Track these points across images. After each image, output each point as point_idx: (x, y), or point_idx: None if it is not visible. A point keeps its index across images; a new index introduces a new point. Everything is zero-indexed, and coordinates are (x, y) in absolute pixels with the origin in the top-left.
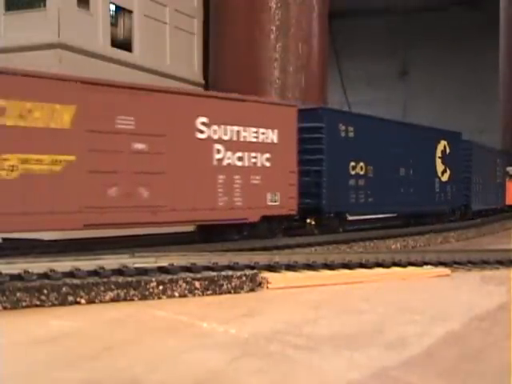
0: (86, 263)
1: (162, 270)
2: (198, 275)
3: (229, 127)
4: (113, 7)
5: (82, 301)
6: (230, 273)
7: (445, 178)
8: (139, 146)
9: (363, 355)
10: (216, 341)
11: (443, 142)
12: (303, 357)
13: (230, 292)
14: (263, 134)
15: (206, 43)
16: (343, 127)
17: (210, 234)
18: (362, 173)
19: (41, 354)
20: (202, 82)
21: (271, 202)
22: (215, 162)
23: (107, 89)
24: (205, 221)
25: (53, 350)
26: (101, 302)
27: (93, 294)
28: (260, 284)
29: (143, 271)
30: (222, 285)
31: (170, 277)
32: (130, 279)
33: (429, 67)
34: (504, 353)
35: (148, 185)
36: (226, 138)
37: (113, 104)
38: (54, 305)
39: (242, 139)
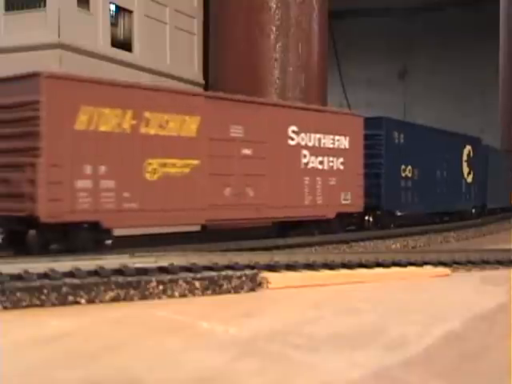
0: (86, 263)
1: (162, 269)
2: (198, 275)
3: (312, 135)
4: (113, 7)
5: (82, 301)
6: (229, 273)
7: (469, 179)
8: (246, 151)
9: (363, 355)
10: (216, 341)
11: (468, 147)
12: (303, 357)
13: (229, 292)
14: (338, 140)
15: (206, 43)
16: (396, 134)
17: (288, 229)
18: (409, 175)
19: (41, 353)
20: (202, 81)
21: (344, 200)
22: (302, 166)
23: (223, 102)
24: (294, 217)
25: (53, 349)
26: (101, 302)
27: (93, 293)
28: (260, 284)
29: (143, 271)
30: (222, 285)
31: (169, 277)
32: (130, 279)
33: (429, 67)
34: (504, 353)
35: (253, 185)
36: (310, 144)
37: (227, 115)
38: (54, 305)
39: (322, 145)
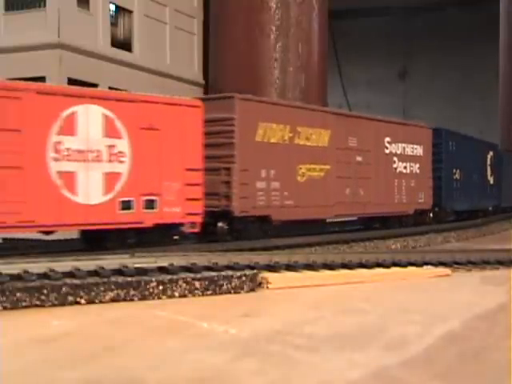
0: (86, 263)
1: (162, 270)
2: (198, 275)
3: (400, 144)
4: (113, 7)
5: (82, 301)
6: (230, 273)
7: (491, 181)
8: (359, 158)
9: (363, 355)
10: (216, 341)
11: (491, 152)
12: (303, 357)
13: (230, 292)
14: (416, 149)
15: (206, 43)
16: (451, 143)
17: (372, 223)
18: (458, 178)
19: (41, 353)
20: (202, 81)
21: (420, 199)
22: (393, 170)
23: (345, 118)
24: (388, 213)
25: (53, 349)
26: (101, 302)
27: (93, 294)
28: (260, 284)
29: (143, 271)
30: (222, 285)
31: (169, 277)
32: (129, 279)
33: (429, 68)
34: (504, 353)
35: (363, 186)
36: (398, 152)
37: (347, 128)
38: (54, 305)
39: (406, 153)
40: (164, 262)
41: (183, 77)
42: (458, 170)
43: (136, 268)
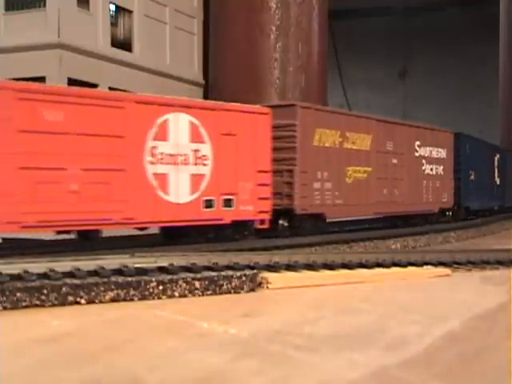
0: (86, 263)
1: (162, 270)
2: (198, 275)
3: (427, 148)
4: (113, 7)
5: (82, 301)
6: (230, 273)
7: (498, 182)
8: (394, 160)
9: (363, 355)
10: (216, 341)
11: (497, 155)
12: (303, 357)
13: (230, 292)
14: (440, 152)
15: (206, 43)
16: (467, 146)
17: (398, 221)
18: (473, 178)
19: (41, 353)
20: (202, 81)
21: (443, 199)
22: (422, 172)
23: (384, 124)
24: (415, 211)
25: (53, 349)
26: (101, 302)
27: (93, 294)
28: (260, 284)
29: (143, 271)
30: (222, 285)
31: (169, 277)
32: (130, 279)
33: (429, 68)
34: (504, 353)
35: (398, 187)
36: (426, 155)
37: (385, 133)
38: (54, 305)
39: (432, 156)
40: (164, 262)
41: (183, 77)
42: (473, 172)
43: (136, 268)
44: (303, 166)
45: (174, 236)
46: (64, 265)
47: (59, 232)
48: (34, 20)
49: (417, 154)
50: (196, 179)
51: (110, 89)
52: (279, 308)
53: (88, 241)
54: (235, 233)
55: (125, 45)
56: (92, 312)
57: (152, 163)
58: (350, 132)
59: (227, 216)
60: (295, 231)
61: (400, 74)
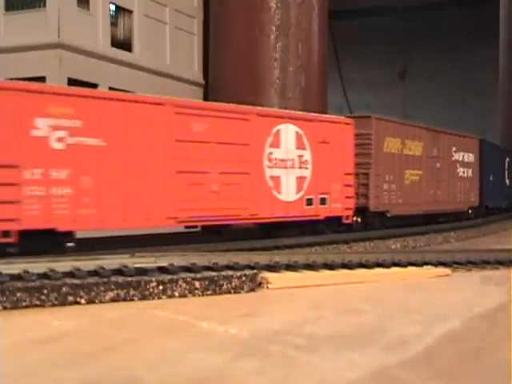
0: (86, 263)
1: (162, 270)
2: (198, 275)
3: (461, 153)
4: (113, 7)
5: (82, 301)
6: (230, 273)
7: (508, 183)
8: (438, 164)
9: (363, 355)
10: (216, 341)
11: (508, 158)
12: (303, 357)
13: (230, 292)
14: (470, 156)
15: (206, 43)
16: (488, 150)
17: (431, 218)
18: (491, 180)
19: (41, 353)
20: (202, 81)
21: (472, 198)
22: (457, 174)
23: (432, 132)
24: (450, 210)
25: (53, 349)
26: (101, 302)
27: (93, 294)
28: (260, 284)
29: (143, 271)
30: (222, 285)
31: (169, 277)
32: (129, 279)
33: (429, 67)
34: (504, 353)
35: (440, 188)
36: (460, 159)
37: (432, 140)
38: (54, 305)
39: (464, 160)
40: (164, 262)
41: (183, 77)
42: (491, 174)
43: (136, 268)
44: (376, 169)
45: (271, 229)
46: (64, 265)
47: (187, 227)
48: (34, 20)
49: (453, 159)
50: (300, 181)
51: (110, 89)
52: (279, 308)
53: (218, 235)
54: (327, 227)
55: (125, 45)
56: (92, 312)
57: (269, 167)
58: (408, 140)
59: (322, 212)
60: (367, 226)
61: (400, 74)
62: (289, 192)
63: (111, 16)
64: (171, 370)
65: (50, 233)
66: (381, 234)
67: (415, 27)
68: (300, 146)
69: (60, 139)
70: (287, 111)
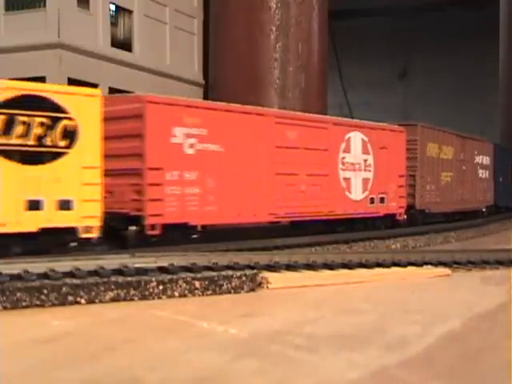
0: (86, 263)
1: (162, 270)
2: (198, 275)
3: (480, 156)
4: (113, 7)
5: (82, 301)
6: (230, 273)
7: None
8: (464, 167)
9: (363, 355)
10: (216, 341)
11: None
12: (303, 357)
13: (229, 292)
14: (486, 159)
15: (206, 43)
16: (499, 153)
17: (456, 215)
18: (501, 181)
19: (41, 353)
20: (202, 81)
21: (488, 197)
22: (477, 176)
23: (459, 137)
24: (472, 208)
25: (53, 349)
26: (101, 302)
27: (93, 294)
28: (260, 284)
29: (143, 271)
30: (222, 285)
31: (169, 277)
32: (129, 279)
33: (429, 68)
34: (504, 353)
35: (464, 188)
36: (480, 162)
37: (460, 145)
38: (54, 305)
39: (483, 163)
40: (164, 262)
41: (183, 77)
42: (501, 176)
43: (136, 268)
44: (421, 172)
45: (337, 226)
46: (64, 265)
47: (272, 222)
48: (33, 20)
49: (475, 162)
50: (365, 182)
51: (110, 89)
52: (279, 308)
53: (301, 229)
54: (383, 223)
55: (125, 45)
56: (92, 312)
57: (342, 170)
58: (443, 145)
59: (382, 210)
60: (412, 223)
61: (400, 74)
62: (357, 192)
63: (111, 16)
64: (171, 370)
65: (183, 227)
66: (381, 234)
67: (415, 28)
68: (365, 151)
69: (191, 145)
70: (356, 121)
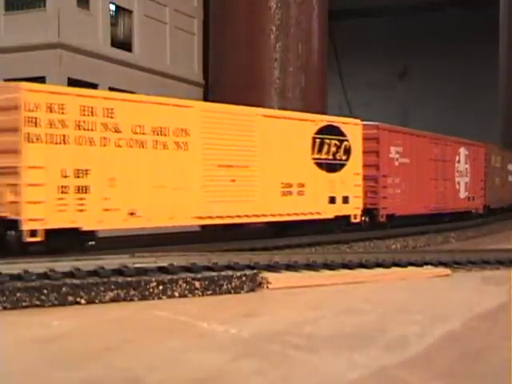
0: (86, 263)
1: (162, 270)
2: (198, 275)
3: (510, 164)
4: (113, 7)
5: (82, 301)
6: (230, 273)
7: None
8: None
9: (363, 355)
10: (216, 341)
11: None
12: (303, 357)
13: (230, 292)
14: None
15: (205, 43)
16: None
17: (490, 211)
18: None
19: (41, 353)
20: (202, 81)
21: (510, 197)
22: (507, 179)
23: (496, 148)
24: (502, 206)
25: (53, 349)
26: (101, 302)
27: (93, 294)
28: (260, 284)
29: (143, 271)
30: (222, 285)
31: (169, 277)
32: (129, 279)
33: (428, 68)
34: (504, 353)
35: (503, 190)
36: (510, 169)
37: (505, 156)
38: (54, 305)
39: (510, 169)
40: (164, 262)
41: (183, 77)
42: (509, 176)
43: (136, 268)
44: (489, 177)
45: (440, 217)
46: (64, 265)
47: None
48: (33, 20)
49: (508, 168)
50: (465, 185)
51: (110, 89)
52: (279, 308)
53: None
54: (470, 216)
55: (125, 45)
56: (92, 312)
57: (456, 176)
58: (493, 155)
59: (473, 206)
60: (482, 215)
61: (400, 75)
62: (463, 192)
63: (111, 16)
64: (171, 370)
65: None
66: (381, 234)
67: (415, 27)
68: (466, 162)
69: (396, 159)
70: (463, 139)
